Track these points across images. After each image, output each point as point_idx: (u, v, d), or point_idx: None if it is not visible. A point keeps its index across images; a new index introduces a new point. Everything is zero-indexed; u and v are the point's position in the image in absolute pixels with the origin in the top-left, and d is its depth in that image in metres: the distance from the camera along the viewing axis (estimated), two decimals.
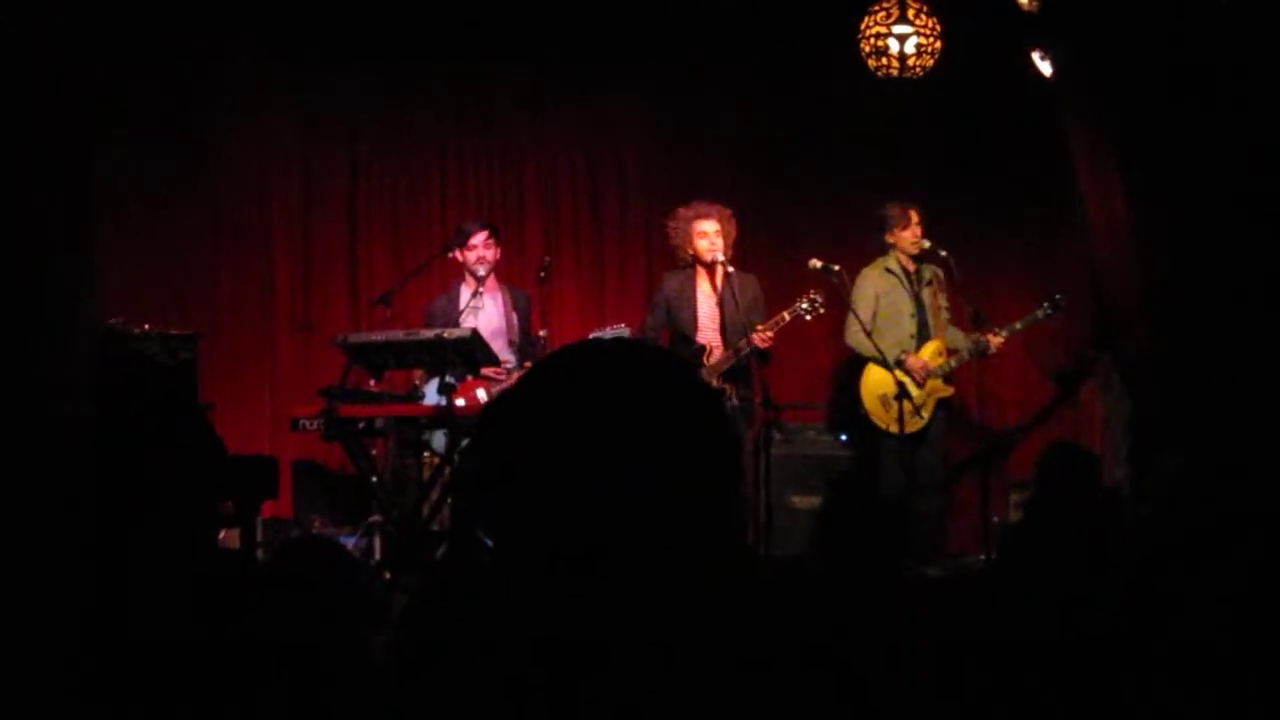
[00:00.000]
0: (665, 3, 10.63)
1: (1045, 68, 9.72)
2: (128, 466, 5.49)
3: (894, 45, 9.40)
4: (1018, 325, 9.83)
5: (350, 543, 9.34)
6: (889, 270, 9.83)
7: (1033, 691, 3.40)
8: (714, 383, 9.01)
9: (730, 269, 9.15)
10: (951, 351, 9.81)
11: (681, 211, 9.44)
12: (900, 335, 9.70)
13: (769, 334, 9.02)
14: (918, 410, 9.51)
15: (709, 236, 9.23)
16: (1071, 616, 3.57)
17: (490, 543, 1.98)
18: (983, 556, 9.38)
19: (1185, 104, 8.71)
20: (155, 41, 10.12)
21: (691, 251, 9.32)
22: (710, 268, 9.29)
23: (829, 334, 10.21)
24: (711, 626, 2.04)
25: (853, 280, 9.62)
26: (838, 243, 10.37)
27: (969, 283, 9.86)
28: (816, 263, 9.16)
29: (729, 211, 9.42)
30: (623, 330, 9.19)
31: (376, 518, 9.27)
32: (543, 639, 1.96)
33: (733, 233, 9.38)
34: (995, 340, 9.69)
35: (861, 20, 9.52)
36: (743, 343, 8.96)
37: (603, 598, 1.97)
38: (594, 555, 1.96)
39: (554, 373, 2.07)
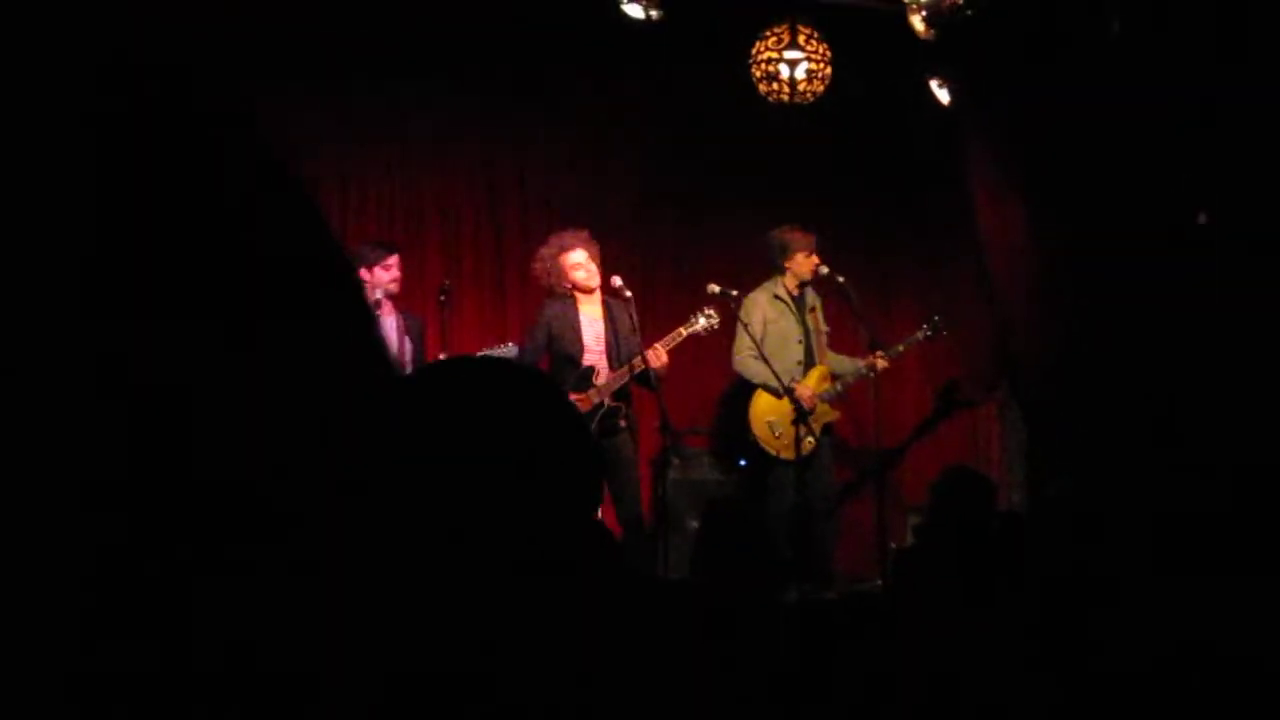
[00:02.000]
0: (572, 25, 10.61)
1: (942, 95, 9.79)
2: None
3: (785, 70, 9.43)
4: (900, 347, 9.94)
5: None
6: (777, 296, 9.86)
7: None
8: (606, 402, 9.02)
9: (606, 295, 9.18)
10: (835, 376, 9.86)
11: (543, 251, 9.38)
12: (788, 362, 9.71)
13: (664, 350, 9.02)
14: (808, 434, 9.52)
15: (583, 266, 9.20)
16: (962, 640, 3.58)
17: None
18: (880, 581, 9.40)
19: (1081, 127, 8.79)
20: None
21: (568, 284, 9.27)
22: (590, 293, 9.27)
23: (722, 358, 10.23)
24: (579, 647, 2.02)
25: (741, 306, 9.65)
26: (734, 266, 10.38)
27: (867, 307, 9.91)
28: (714, 287, 9.20)
29: (586, 233, 9.36)
30: (511, 349, 9.18)
31: None
32: (402, 668, 1.93)
33: (598, 252, 9.36)
34: (880, 362, 9.76)
35: (753, 45, 9.55)
36: (636, 361, 8.94)
37: (466, 620, 1.94)
38: (455, 576, 1.94)
39: (410, 393, 2.05)
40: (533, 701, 1.90)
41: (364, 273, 9.43)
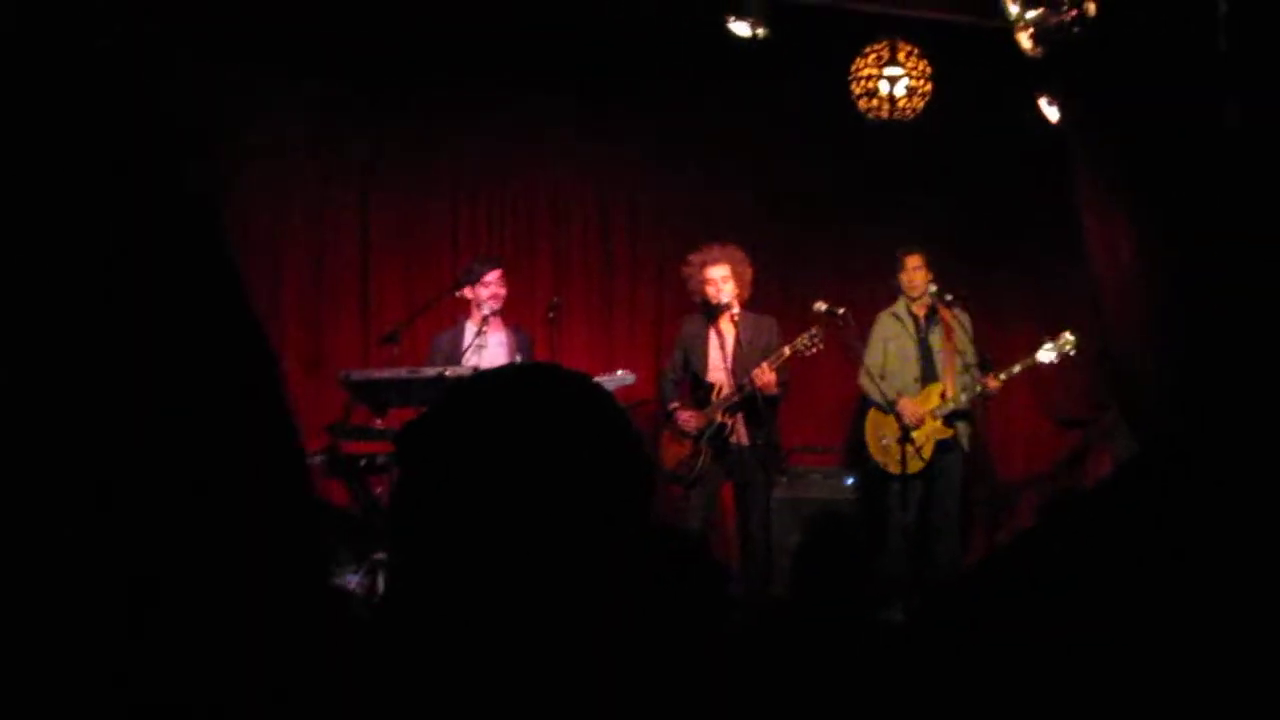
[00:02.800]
0: (679, 43, 10.65)
1: (1051, 113, 9.74)
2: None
3: (884, 87, 9.44)
4: (1015, 368, 9.84)
5: (354, 580, 9.33)
6: (895, 315, 9.89)
7: None
8: (718, 418, 9.07)
9: (737, 311, 9.17)
10: (952, 395, 9.81)
11: (693, 258, 9.46)
12: (905, 379, 9.76)
13: (769, 369, 9.02)
14: (917, 452, 9.49)
15: (715, 282, 9.24)
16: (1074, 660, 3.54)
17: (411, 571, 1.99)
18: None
19: (1196, 149, 8.70)
20: (176, 70, 10.13)
21: (702, 297, 9.35)
22: (722, 311, 9.29)
23: (838, 377, 10.23)
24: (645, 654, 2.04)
25: (861, 322, 9.65)
26: (845, 284, 10.37)
27: (979, 327, 9.87)
28: (821, 305, 9.20)
29: (741, 254, 9.40)
30: (626, 378, 9.22)
31: (380, 554, 9.25)
32: (461, 676, 1.95)
33: (747, 274, 9.37)
34: (992, 384, 9.70)
35: (853, 62, 9.56)
36: (746, 380, 8.97)
37: (520, 631, 1.96)
38: (509, 589, 1.96)
39: (463, 401, 2.08)
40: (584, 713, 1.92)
41: (467, 290, 9.50)
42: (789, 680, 3.70)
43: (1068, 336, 9.86)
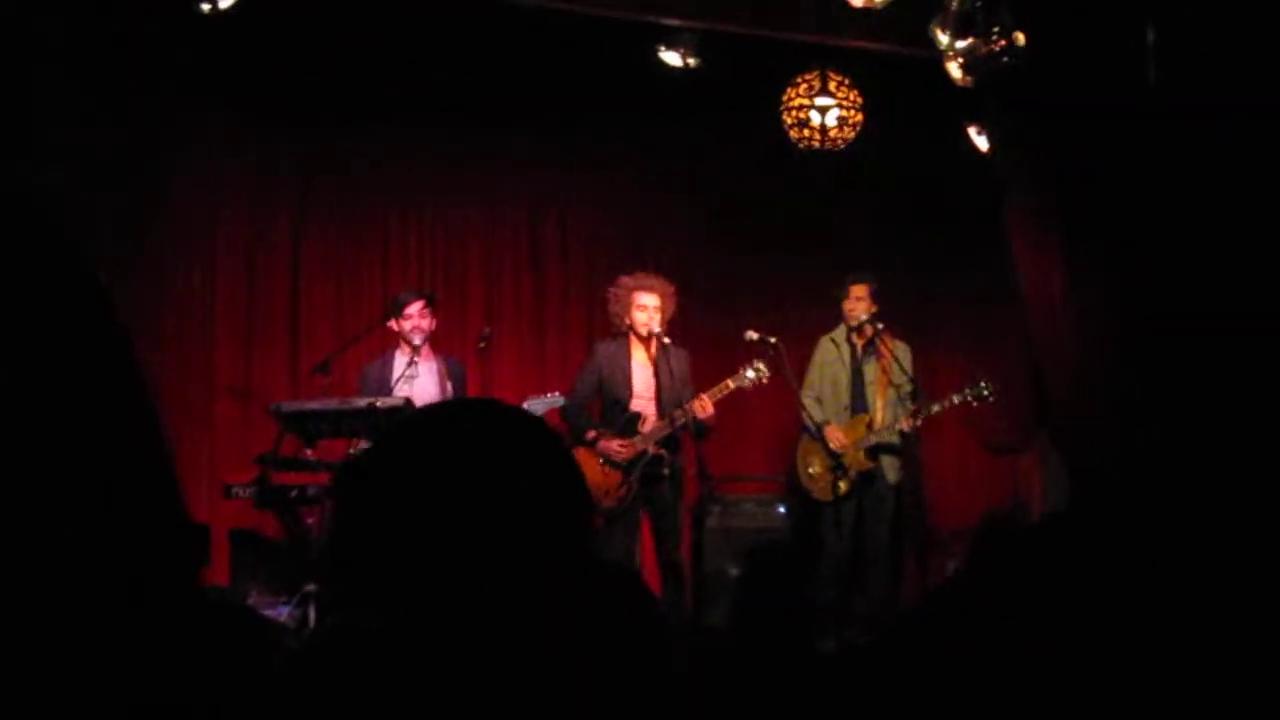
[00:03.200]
0: (610, 72, 10.66)
1: (981, 142, 9.79)
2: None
3: (815, 117, 9.46)
4: (935, 408, 9.84)
5: (285, 611, 9.28)
6: (833, 340, 9.91)
7: None
8: (650, 450, 9.02)
9: (666, 340, 9.15)
10: (875, 428, 9.82)
11: (624, 280, 9.42)
12: (835, 406, 9.78)
13: (710, 403, 9.02)
14: (840, 480, 9.49)
15: (648, 310, 9.21)
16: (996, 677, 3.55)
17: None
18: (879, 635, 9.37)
19: (1125, 178, 8.76)
20: (111, 100, 10.07)
21: (628, 322, 9.30)
22: (646, 339, 9.26)
23: (772, 406, 10.24)
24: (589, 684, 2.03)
25: (791, 352, 9.65)
26: (775, 313, 10.38)
27: (913, 354, 9.90)
28: (753, 334, 9.19)
29: (671, 288, 9.39)
30: (556, 400, 9.19)
31: (311, 586, 9.19)
32: (403, 706, 1.94)
33: (671, 309, 9.36)
34: (904, 423, 9.68)
35: (784, 92, 9.58)
36: (678, 412, 8.95)
37: (463, 657, 1.95)
38: (451, 621, 1.95)
39: (401, 437, 2.07)
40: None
41: (392, 322, 9.49)
42: (739, 712, 3.70)
43: (982, 385, 9.88)
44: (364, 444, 9.00)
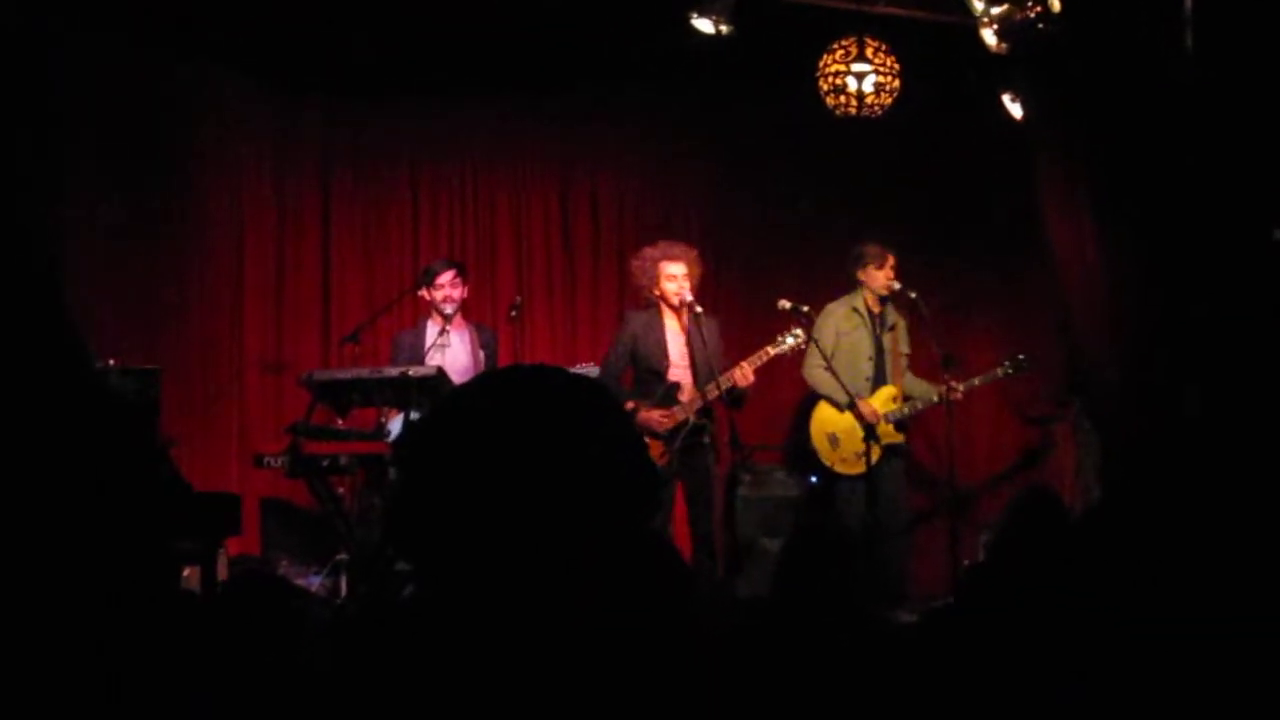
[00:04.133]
0: (642, 38, 10.61)
1: (1015, 110, 9.72)
2: (78, 501, 5.42)
3: (852, 83, 9.38)
4: (976, 381, 9.82)
5: (316, 581, 9.30)
6: (854, 309, 9.80)
7: None
8: (691, 419, 8.99)
9: (699, 309, 9.10)
10: (906, 399, 9.78)
11: (648, 252, 9.37)
12: (856, 377, 9.65)
13: (750, 370, 8.98)
14: (865, 453, 9.42)
15: (677, 279, 9.16)
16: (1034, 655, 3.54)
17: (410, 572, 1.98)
18: (952, 599, 9.32)
19: (1159, 146, 8.71)
20: (133, 73, 10.05)
21: (658, 293, 9.24)
22: (677, 309, 9.22)
23: (797, 374, 10.19)
24: (651, 659, 2.00)
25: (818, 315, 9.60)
26: (806, 283, 10.32)
27: (938, 325, 9.83)
28: (785, 303, 9.11)
29: (695, 253, 9.35)
30: (590, 369, 9.16)
31: (342, 555, 9.20)
32: (474, 671, 1.92)
33: (699, 275, 9.32)
34: (954, 394, 9.66)
35: (820, 58, 9.50)
36: (721, 380, 8.90)
37: (528, 630, 1.93)
38: (516, 583, 1.92)
39: (468, 401, 2.04)
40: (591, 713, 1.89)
41: (424, 292, 9.49)
42: (788, 680, 3.68)
43: (1021, 357, 9.85)
44: (396, 414, 9.01)
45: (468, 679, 1.91)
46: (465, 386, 2.10)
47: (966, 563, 9.97)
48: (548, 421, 1.97)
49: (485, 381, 2.09)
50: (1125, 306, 9.44)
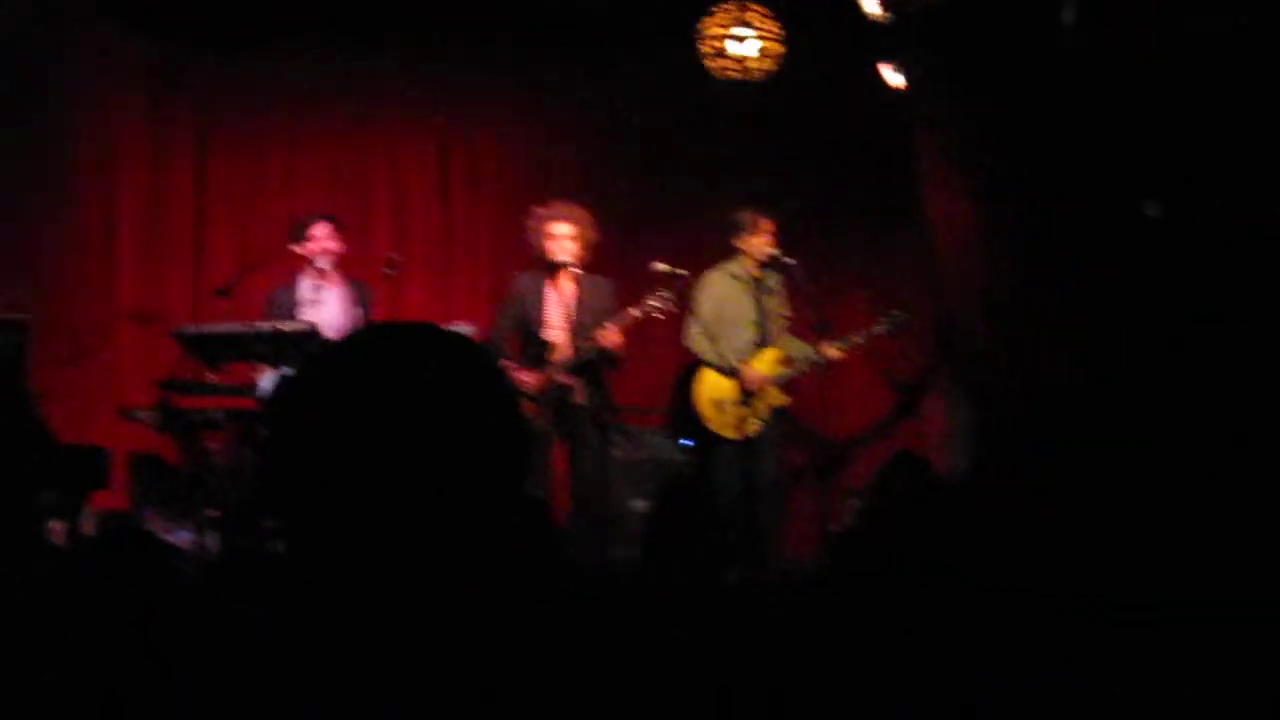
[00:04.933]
0: None
1: (895, 78, 9.77)
2: None
3: (733, 47, 9.39)
4: (856, 339, 9.86)
5: (185, 536, 9.21)
6: (734, 275, 9.80)
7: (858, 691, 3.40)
8: (560, 380, 8.98)
9: (579, 271, 9.10)
10: (788, 361, 9.81)
11: (538, 210, 9.35)
12: (740, 341, 9.67)
13: (616, 331, 8.99)
14: (753, 417, 9.49)
15: (558, 239, 9.15)
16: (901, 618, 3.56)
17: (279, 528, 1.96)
18: (821, 564, 9.38)
19: (1038, 117, 8.79)
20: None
21: (543, 252, 9.25)
22: (560, 269, 9.21)
23: (672, 337, 10.20)
24: (510, 617, 2.00)
25: (698, 283, 9.60)
26: (685, 247, 10.32)
27: (814, 290, 9.87)
28: (661, 265, 9.12)
29: (587, 216, 9.32)
30: (466, 328, 9.12)
31: (212, 511, 9.11)
32: (341, 626, 1.91)
33: (590, 236, 9.29)
34: (832, 353, 9.72)
35: (701, 20, 9.51)
36: (588, 340, 8.91)
37: (395, 586, 1.93)
38: (384, 540, 1.92)
39: (339, 357, 2.03)
40: (456, 671, 1.89)
41: (298, 246, 9.41)
42: (653, 641, 3.68)
43: (899, 312, 9.92)
44: (268, 369, 8.93)
45: (335, 634, 1.90)
46: (337, 344, 2.09)
47: (834, 527, 10.05)
48: (419, 379, 1.96)
49: (357, 338, 2.08)
50: (998, 276, 9.54)
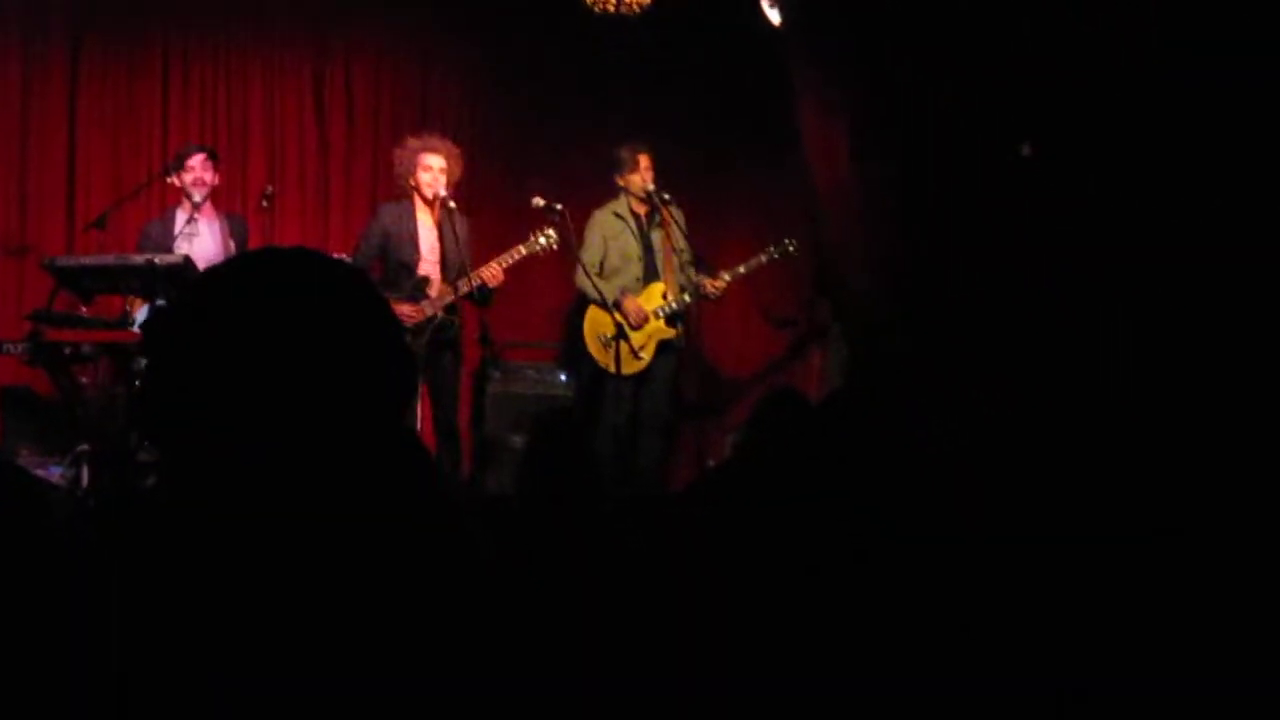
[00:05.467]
0: None
1: (772, 14, 9.78)
2: None
3: None
4: (740, 269, 9.92)
5: (57, 472, 9.12)
6: (617, 214, 9.83)
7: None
8: (439, 315, 8.98)
9: (451, 204, 9.08)
10: (674, 295, 9.83)
11: (410, 141, 9.35)
12: (627, 278, 9.72)
13: (500, 269, 8.99)
14: (635, 352, 9.53)
15: (433, 171, 9.14)
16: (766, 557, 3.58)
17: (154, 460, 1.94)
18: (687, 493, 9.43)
19: (912, 55, 8.83)
20: None
21: (414, 183, 9.22)
22: (430, 202, 9.19)
23: (552, 274, 10.20)
24: (392, 554, 1.99)
25: (580, 221, 9.59)
26: (565, 182, 10.31)
27: (695, 228, 9.90)
28: (539, 201, 9.12)
29: (458, 150, 9.34)
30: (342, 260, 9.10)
31: (84, 446, 9.02)
32: (220, 564, 1.90)
33: (458, 171, 9.30)
34: (713, 284, 9.77)
35: None
36: (470, 277, 8.90)
37: (276, 523, 1.91)
38: (265, 474, 1.90)
39: (219, 283, 2.00)
40: (340, 609, 1.88)
41: (174, 178, 9.33)
42: (528, 577, 3.69)
43: (787, 241, 9.96)
44: (141, 303, 8.84)
45: (213, 572, 1.89)
46: (216, 268, 2.06)
47: (713, 464, 10.11)
48: (301, 304, 1.93)
49: (237, 263, 2.05)
50: (876, 210, 9.59)
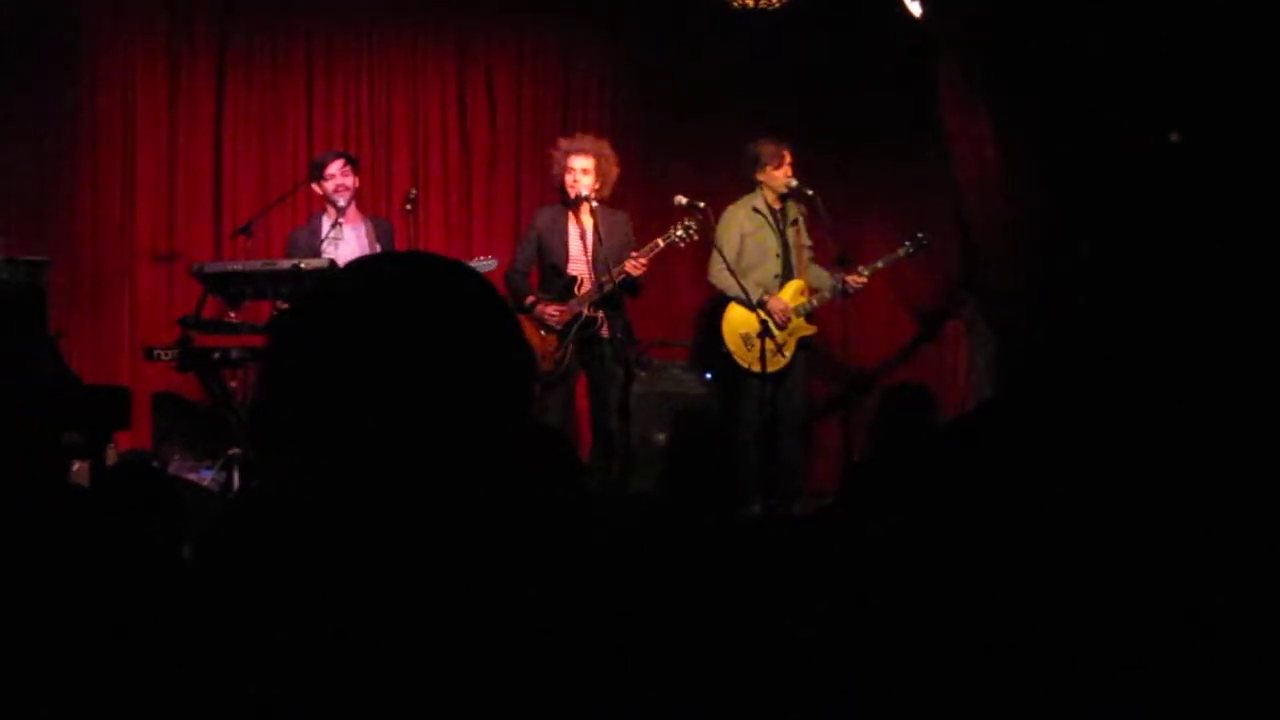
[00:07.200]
0: None
1: (915, 7, 9.72)
2: None
3: None
4: (879, 264, 9.85)
5: (208, 475, 9.24)
6: (755, 209, 9.78)
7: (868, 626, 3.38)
8: (585, 312, 9.00)
9: (595, 204, 9.08)
10: (814, 291, 9.78)
11: (561, 143, 9.38)
12: (764, 275, 9.67)
13: (643, 260, 8.99)
14: (779, 349, 9.49)
15: (575, 173, 9.14)
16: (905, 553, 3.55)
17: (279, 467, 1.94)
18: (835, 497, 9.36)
19: (1057, 45, 8.73)
20: None
21: (562, 185, 9.25)
22: (580, 203, 9.20)
23: (692, 272, 10.19)
24: (525, 562, 1.98)
25: (718, 217, 9.55)
26: (704, 178, 10.29)
27: (836, 221, 9.84)
28: (681, 199, 9.09)
29: (607, 150, 9.30)
30: (489, 263, 9.14)
31: (235, 450, 9.13)
32: (342, 568, 1.89)
33: (611, 172, 9.27)
34: (856, 280, 9.70)
35: None
36: (614, 271, 8.87)
37: (400, 526, 1.91)
38: (385, 474, 1.90)
39: (339, 285, 2.00)
40: (469, 611, 1.87)
41: (315, 185, 9.41)
42: (671, 577, 3.68)
43: (920, 235, 9.89)
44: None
45: (335, 577, 1.89)
46: (337, 271, 2.06)
47: (857, 459, 10.04)
48: (420, 307, 1.93)
49: (358, 267, 2.05)
50: (1021, 207, 9.48)
